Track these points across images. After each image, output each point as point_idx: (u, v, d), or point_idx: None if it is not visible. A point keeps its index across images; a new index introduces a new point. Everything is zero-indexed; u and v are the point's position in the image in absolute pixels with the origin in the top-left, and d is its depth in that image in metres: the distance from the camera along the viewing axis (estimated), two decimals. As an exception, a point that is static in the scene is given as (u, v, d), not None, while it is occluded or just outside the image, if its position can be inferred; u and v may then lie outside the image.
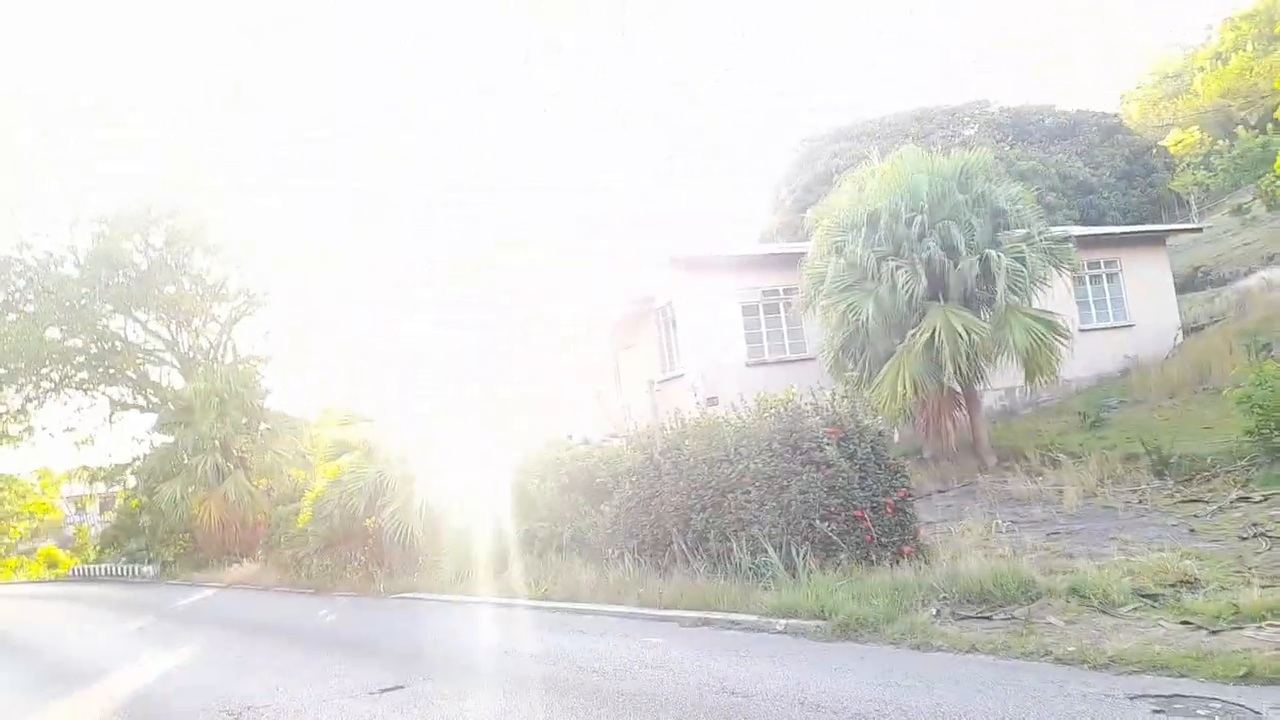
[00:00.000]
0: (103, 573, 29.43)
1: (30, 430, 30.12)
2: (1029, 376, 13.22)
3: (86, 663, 11.17)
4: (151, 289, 27.23)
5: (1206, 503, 9.95)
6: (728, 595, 8.37)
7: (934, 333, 12.19)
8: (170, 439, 26.39)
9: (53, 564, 39.25)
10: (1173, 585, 6.74)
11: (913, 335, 12.48)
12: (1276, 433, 10.55)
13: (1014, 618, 6.53)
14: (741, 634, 7.48)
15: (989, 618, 6.67)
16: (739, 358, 18.71)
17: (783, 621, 7.29)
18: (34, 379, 28.19)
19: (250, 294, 29.27)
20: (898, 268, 12.64)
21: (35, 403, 29.37)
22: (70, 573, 33.66)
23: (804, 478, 8.59)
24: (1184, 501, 10.29)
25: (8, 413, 29.20)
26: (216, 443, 24.48)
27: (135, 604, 18.31)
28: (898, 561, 8.09)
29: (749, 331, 19.15)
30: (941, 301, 12.77)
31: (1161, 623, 6.03)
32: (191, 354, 29.61)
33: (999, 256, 12.37)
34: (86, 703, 8.65)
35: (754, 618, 7.59)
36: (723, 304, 18.94)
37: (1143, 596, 6.55)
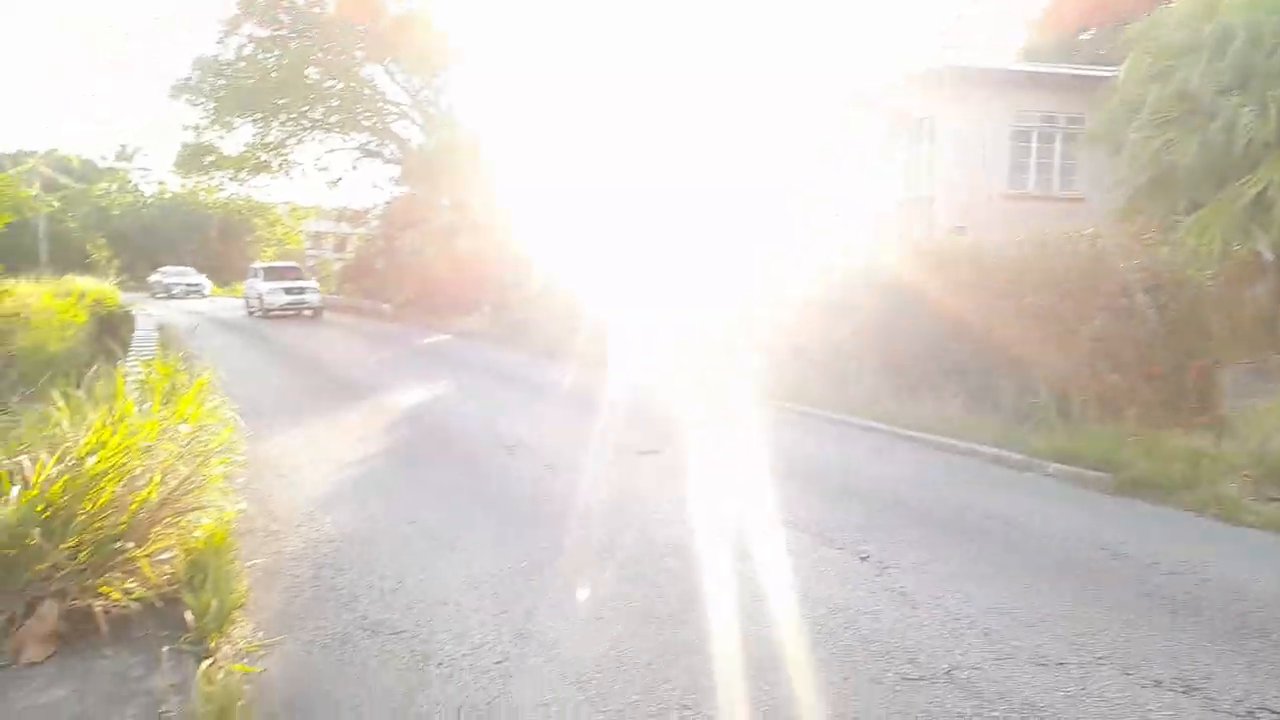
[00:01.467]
0: (341, 304, 32.82)
1: (287, 164, 33.02)
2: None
3: (359, 380, 12.66)
4: (401, 39, 28.10)
5: None
6: (986, 429, 8.16)
7: (1266, 188, 10.60)
8: (410, 190, 28.20)
9: (297, 289, 44.04)
10: None
11: (1238, 186, 10.91)
12: None
13: (1339, 512, 5.97)
14: (1004, 470, 7.31)
15: (1307, 506, 6.13)
16: (998, 187, 17.32)
17: (1055, 466, 7.04)
18: (295, 115, 30.47)
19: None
20: (1242, 105, 10.88)
21: (295, 139, 31.98)
22: (316, 299, 37.72)
23: (1098, 323, 7.99)
24: None
25: (272, 145, 32.02)
26: (451, 200, 25.95)
27: (380, 336, 20.39)
28: (1191, 430, 7.52)
29: (1015, 160, 17.58)
30: (1287, 151, 10.98)
31: None
32: (432, 111, 30.84)
33: (1383, 104, 10.34)
34: (374, 412, 9.84)
35: (1020, 456, 7.38)
36: (990, 124, 17.35)
37: None
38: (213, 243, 56.54)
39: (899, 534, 5.41)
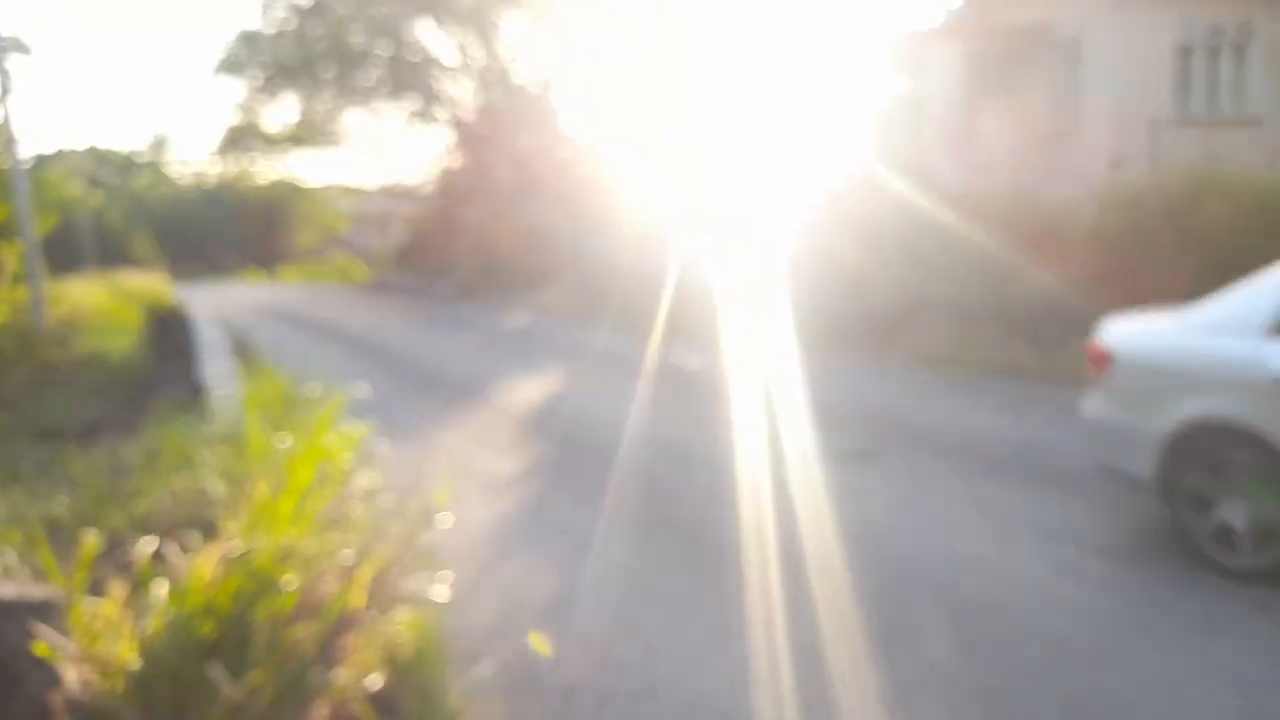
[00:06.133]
0: (397, 286, 32.02)
1: (333, 136, 32.20)
2: None
3: (457, 375, 11.66)
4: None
5: None
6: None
7: None
8: (466, 157, 27.19)
9: (347, 272, 43.54)
10: None
11: None
12: None
13: None
14: None
15: None
16: (1158, 112, 15.60)
17: None
18: (341, 85, 29.63)
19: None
20: None
21: (340, 110, 31.15)
22: (372, 282, 37.02)
23: None
24: None
25: (316, 120, 31.27)
26: (512, 165, 24.87)
27: (456, 321, 19.30)
28: None
29: (1177, 79, 15.84)
30: None
31: None
32: (483, 72, 29.72)
33: None
34: (489, 415, 8.84)
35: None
36: (1150, 37, 15.65)
37: None
38: (254, 229, 56.39)
39: None
